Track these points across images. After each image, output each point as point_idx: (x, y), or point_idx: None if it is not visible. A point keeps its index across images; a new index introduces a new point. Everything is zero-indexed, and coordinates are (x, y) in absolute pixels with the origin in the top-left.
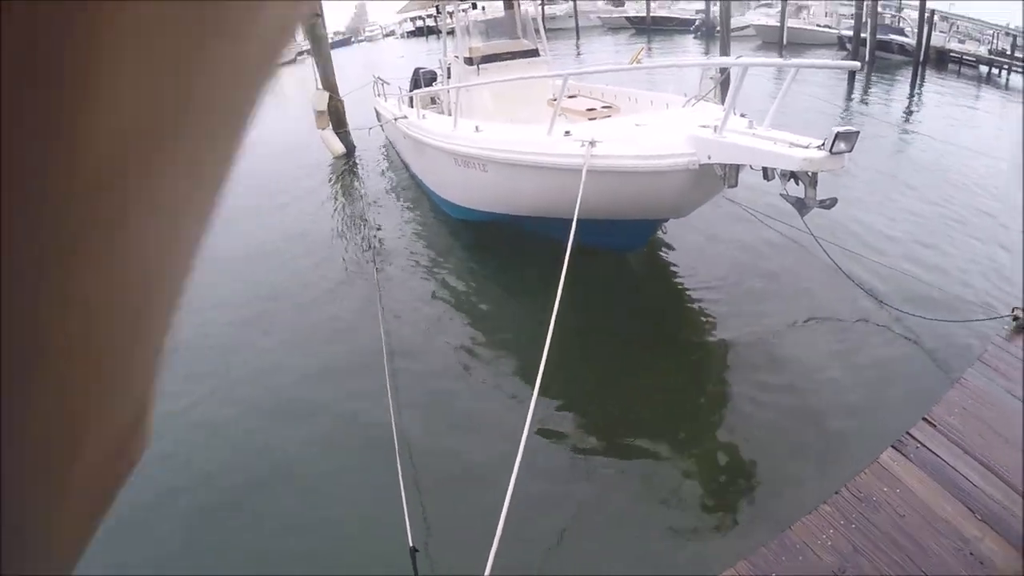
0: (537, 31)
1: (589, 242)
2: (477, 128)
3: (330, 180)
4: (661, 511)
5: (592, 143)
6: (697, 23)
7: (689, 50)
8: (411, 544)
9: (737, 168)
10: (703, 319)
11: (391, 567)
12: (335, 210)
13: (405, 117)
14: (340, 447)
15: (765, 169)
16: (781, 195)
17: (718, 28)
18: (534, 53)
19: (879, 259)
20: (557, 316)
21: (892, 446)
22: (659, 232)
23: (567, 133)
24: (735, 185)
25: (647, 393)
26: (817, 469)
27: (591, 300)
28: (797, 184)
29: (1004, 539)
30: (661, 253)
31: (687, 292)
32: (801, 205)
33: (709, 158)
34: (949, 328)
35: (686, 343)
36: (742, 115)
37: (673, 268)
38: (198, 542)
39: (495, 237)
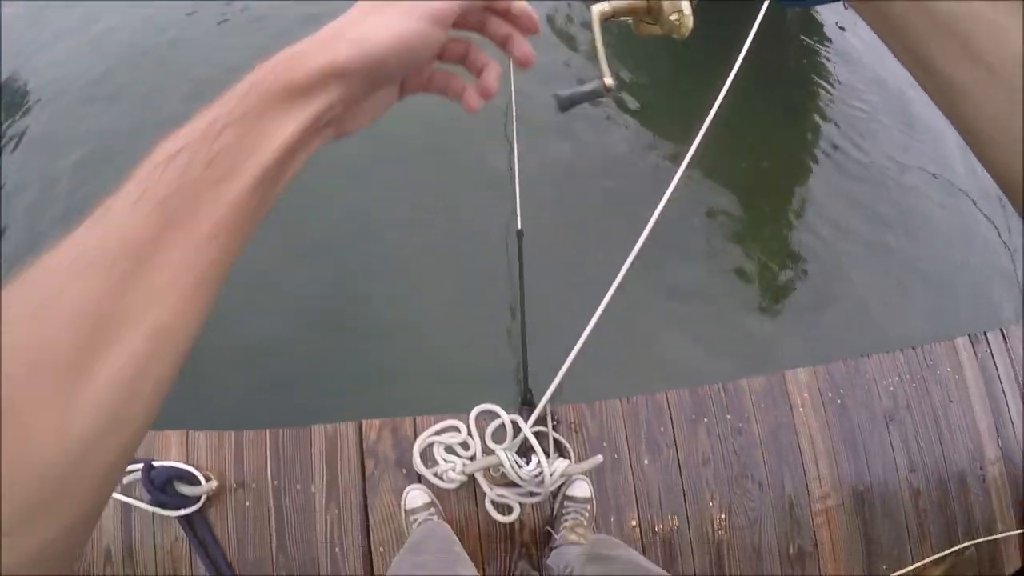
0: None
1: None
2: None
3: None
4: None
5: None
6: None
7: None
8: (519, 227)
9: None
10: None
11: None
12: None
13: None
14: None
15: None
16: None
17: None
18: None
19: None
20: None
21: (968, 335)
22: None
23: None
24: None
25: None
26: (892, 313)
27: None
28: None
29: (1006, 480)
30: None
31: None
32: None
33: None
34: None
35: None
36: None
37: (826, 53)
38: None
39: None
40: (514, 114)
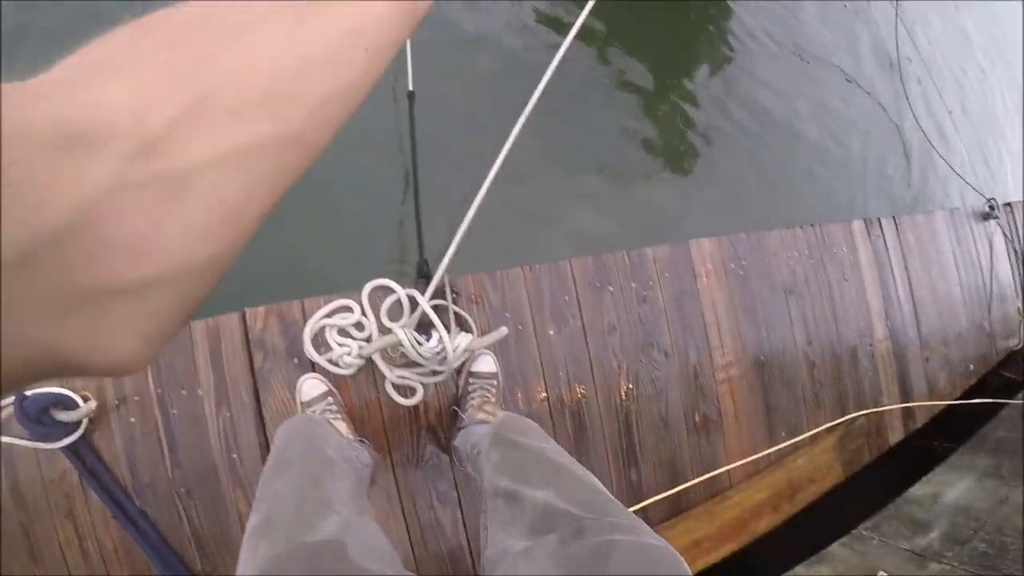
0: None
1: None
2: None
3: None
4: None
5: None
6: None
7: None
8: (410, 88)
9: None
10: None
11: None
12: None
13: None
14: None
15: None
16: None
17: None
18: None
19: None
20: None
21: (864, 219)
22: None
23: None
24: None
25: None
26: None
27: None
28: None
29: (892, 358)
30: None
31: None
32: None
33: None
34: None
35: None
36: None
37: None
38: None
39: None
40: None
